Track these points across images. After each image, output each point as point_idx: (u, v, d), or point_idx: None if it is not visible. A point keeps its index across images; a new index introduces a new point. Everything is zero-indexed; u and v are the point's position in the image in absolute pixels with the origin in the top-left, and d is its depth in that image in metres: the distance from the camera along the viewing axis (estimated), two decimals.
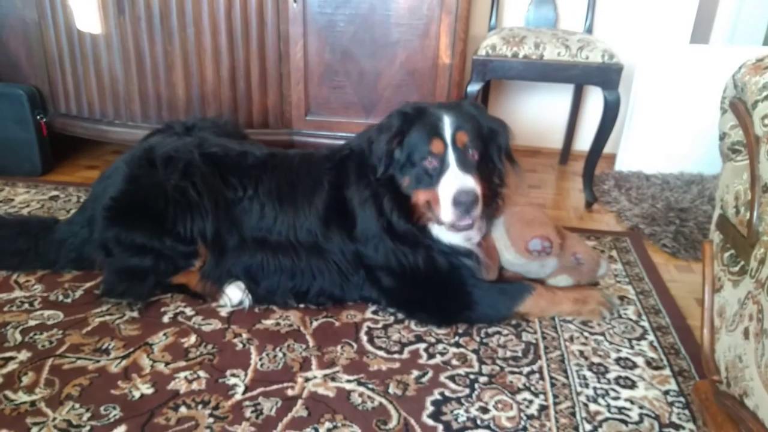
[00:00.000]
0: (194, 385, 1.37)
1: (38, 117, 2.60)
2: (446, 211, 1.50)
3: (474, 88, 2.34)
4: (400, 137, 1.58)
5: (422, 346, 1.54)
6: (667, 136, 2.79)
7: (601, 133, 2.39)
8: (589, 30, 2.80)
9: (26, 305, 1.66)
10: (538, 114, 3.12)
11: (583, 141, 3.01)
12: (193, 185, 1.66)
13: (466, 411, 1.32)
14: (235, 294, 1.68)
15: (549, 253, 1.62)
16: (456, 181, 1.49)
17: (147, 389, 1.35)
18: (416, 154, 1.55)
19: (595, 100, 2.96)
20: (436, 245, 1.62)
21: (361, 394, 1.36)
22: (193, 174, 1.67)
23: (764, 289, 1.00)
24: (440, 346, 1.54)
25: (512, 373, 1.45)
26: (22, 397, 1.32)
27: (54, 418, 1.26)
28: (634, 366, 1.49)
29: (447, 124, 1.54)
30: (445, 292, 1.63)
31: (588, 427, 1.29)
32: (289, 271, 1.69)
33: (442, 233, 1.62)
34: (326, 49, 2.33)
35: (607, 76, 2.28)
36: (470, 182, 1.49)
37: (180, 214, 1.65)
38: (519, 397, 1.37)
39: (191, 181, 1.66)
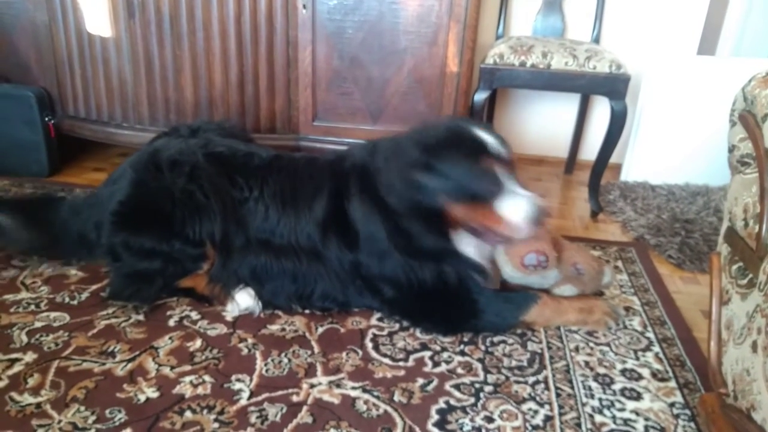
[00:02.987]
0: (199, 390, 1.37)
1: (46, 119, 2.61)
2: (514, 229, 1.46)
3: (481, 96, 2.34)
4: (426, 166, 1.49)
5: (427, 354, 1.54)
6: (673, 146, 2.79)
7: (607, 143, 2.39)
8: (597, 40, 2.80)
9: (32, 306, 1.66)
10: (544, 123, 3.12)
11: (589, 150, 3.01)
12: (200, 188, 1.66)
13: (471, 420, 1.32)
14: (244, 300, 1.68)
15: (545, 267, 1.61)
16: (524, 200, 1.45)
17: (152, 393, 1.35)
18: (463, 177, 1.46)
19: (601, 109, 2.96)
20: (458, 261, 1.59)
21: (366, 402, 1.36)
22: (200, 176, 1.67)
23: None
24: (445, 355, 1.54)
25: (517, 382, 1.45)
26: (27, 398, 1.32)
27: (59, 421, 1.26)
28: (640, 377, 1.49)
29: (491, 139, 1.50)
30: (451, 301, 1.62)
31: None
32: (291, 274, 1.69)
33: (465, 246, 1.58)
34: (334, 55, 2.34)
35: (614, 86, 2.28)
36: (534, 198, 1.46)
37: (188, 216, 1.65)
38: (524, 407, 1.37)
39: (198, 184, 1.67)
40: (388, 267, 1.62)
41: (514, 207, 1.45)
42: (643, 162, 2.85)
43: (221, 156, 1.74)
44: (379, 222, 1.59)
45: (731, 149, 1.26)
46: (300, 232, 1.67)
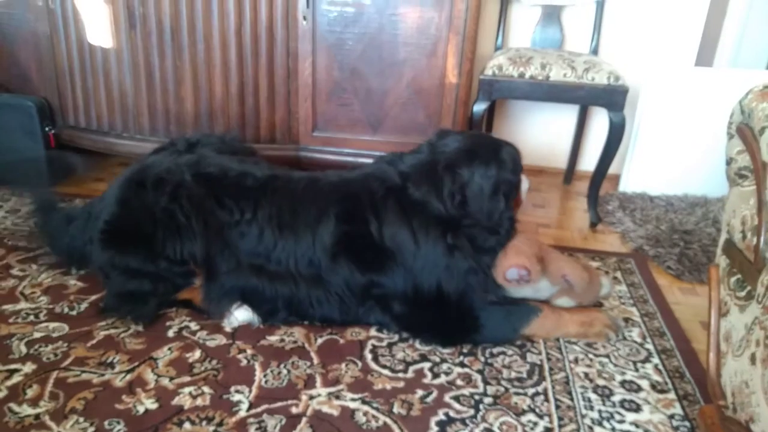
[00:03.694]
0: (198, 401, 1.37)
1: (47, 128, 2.61)
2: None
3: (480, 107, 2.36)
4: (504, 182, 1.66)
5: (427, 365, 1.54)
6: (672, 157, 2.80)
7: (606, 154, 2.40)
8: (595, 51, 2.82)
9: (31, 317, 1.66)
10: (543, 133, 3.13)
11: (588, 161, 3.02)
12: (181, 208, 1.63)
13: None
14: (242, 314, 1.66)
15: (528, 281, 1.61)
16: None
17: (151, 404, 1.35)
18: (519, 175, 1.75)
19: (599, 120, 2.97)
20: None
21: (365, 413, 1.36)
22: (181, 196, 1.64)
23: None
24: (445, 366, 1.54)
25: (517, 394, 1.45)
26: (26, 410, 1.32)
27: None
28: (639, 389, 1.49)
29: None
30: (453, 315, 1.62)
31: None
32: (286, 299, 1.67)
33: None
34: (335, 66, 2.35)
35: (613, 97, 2.29)
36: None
37: (170, 237, 1.63)
38: (524, 419, 1.36)
39: (179, 204, 1.63)
40: (434, 277, 1.61)
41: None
42: (642, 173, 2.86)
43: (210, 176, 1.70)
44: (436, 239, 1.60)
45: (729, 162, 1.26)
46: (300, 258, 1.64)
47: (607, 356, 1.61)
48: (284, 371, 1.49)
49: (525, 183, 1.81)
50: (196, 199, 1.65)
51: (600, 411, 1.40)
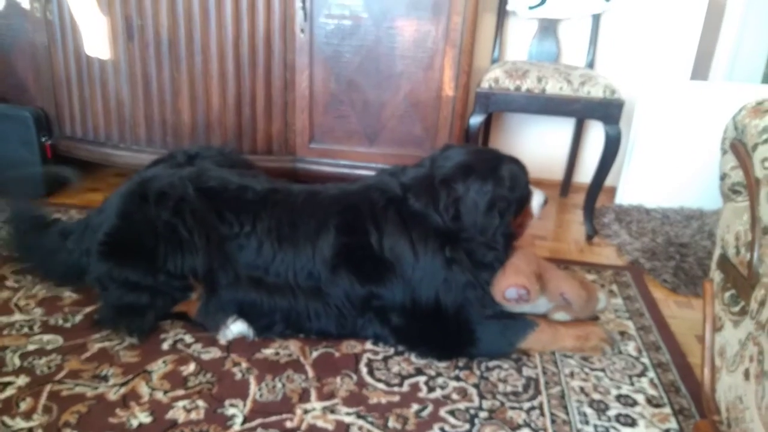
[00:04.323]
0: (192, 415, 1.36)
1: (43, 139, 2.61)
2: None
3: (477, 120, 2.36)
4: (503, 199, 1.65)
5: (422, 379, 1.54)
6: (668, 170, 2.81)
7: (602, 167, 2.41)
8: (591, 65, 2.84)
9: (26, 329, 1.66)
10: (539, 146, 3.14)
11: (584, 174, 3.03)
12: (184, 222, 1.63)
13: None
14: (237, 327, 1.66)
15: (527, 300, 1.61)
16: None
17: (145, 418, 1.35)
18: (525, 194, 1.75)
19: (596, 133, 2.98)
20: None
21: (360, 428, 1.35)
22: (184, 211, 1.64)
23: (765, 330, 1.00)
24: (440, 380, 1.53)
25: (512, 408, 1.44)
26: (19, 423, 1.31)
27: None
28: (635, 403, 1.48)
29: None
30: (450, 328, 1.62)
31: None
32: (284, 312, 1.66)
33: None
34: (332, 78, 2.36)
35: (609, 111, 2.30)
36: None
37: (171, 251, 1.62)
38: None
39: (182, 218, 1.63)
40: (432, 290, 1.61)
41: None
42: (638, 185, 2.87)
43: (211, 190, 1.70)
44: (434, 252, 1.61)
45: (723, 177, 1.27)
46: (299, 271, 1.64)
47: (603, 370, 1.61)
48: (279, 385, 1.48)
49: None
50: (199, 213, 1.65)
51: (595, 425, 1.40)
